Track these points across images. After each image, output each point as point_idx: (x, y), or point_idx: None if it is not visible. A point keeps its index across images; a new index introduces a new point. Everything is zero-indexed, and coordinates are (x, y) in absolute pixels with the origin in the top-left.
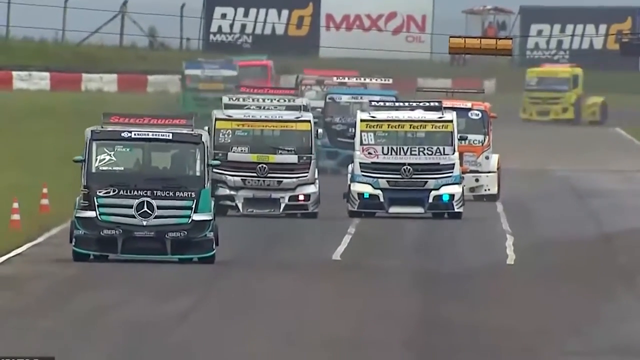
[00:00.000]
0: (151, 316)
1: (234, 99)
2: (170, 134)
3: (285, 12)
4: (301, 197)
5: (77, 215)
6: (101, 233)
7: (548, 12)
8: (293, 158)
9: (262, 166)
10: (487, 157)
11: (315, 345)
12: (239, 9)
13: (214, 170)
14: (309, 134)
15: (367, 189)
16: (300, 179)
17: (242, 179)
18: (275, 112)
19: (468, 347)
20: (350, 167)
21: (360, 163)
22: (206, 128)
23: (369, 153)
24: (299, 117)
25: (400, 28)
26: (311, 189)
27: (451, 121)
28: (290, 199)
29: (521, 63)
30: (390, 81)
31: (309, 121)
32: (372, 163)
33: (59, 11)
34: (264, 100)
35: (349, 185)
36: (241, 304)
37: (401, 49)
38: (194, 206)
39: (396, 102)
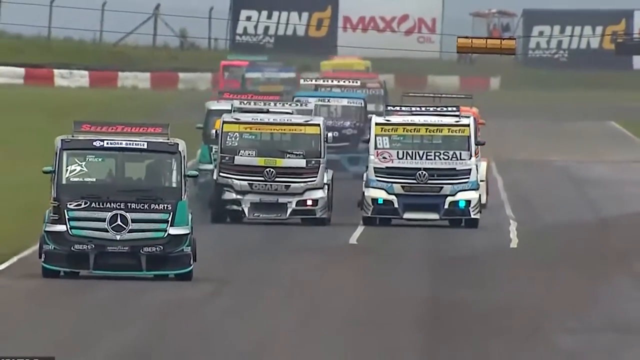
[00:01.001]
0: (176, 300)
1: (245, 102)
2: (145, 143)
3: (305, 15)
4: (309, 202)
5: (47, 229)
6: (72, 248)
7: (549, 14)
8: (301, 162)
9: (270, 170)
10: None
11: (331, 326)
12: (263, 11)
13: (220, 174)
14: (319, 138)
15: (381, 195)
16: (309, 183)
17: (248, 183)
18: (284, 116)
19: (476, 326)
20: (365, 174)
21: (374, 168)
22: (213, 131)
23: (384, 157)
24: (309, 121)
25: (412, 29)
26: (319, 194)
27: (468, 125)
28: (297, 203)
29: (524, 62)
30: (358, 83)
31: (319, 125)
32: (387, 168)
33: (97, 14)
34: (275, 104)
35: (363, 192)
36: (261, 288)
37: (413, 49)
38: (170, 219)
39: (413, 107)
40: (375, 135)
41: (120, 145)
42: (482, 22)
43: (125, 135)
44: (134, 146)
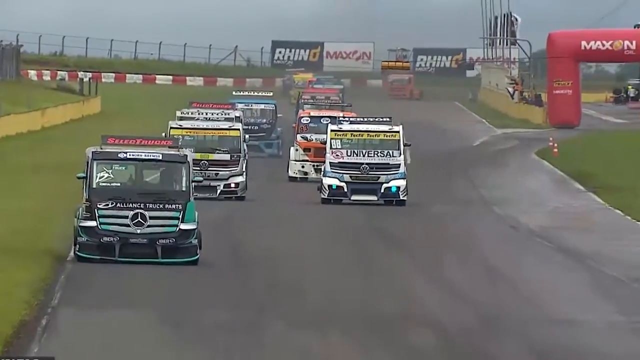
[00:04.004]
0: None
1: (186, 113)
2: (160, 155)
3: (307, 50)
4: (232, 185)
5: (80, 224)
6: (101, 240)
7: (426, 50)
8: (226, 156)
9: (204, 162)
10: None
11: (321, 222)
12: (287, 49)
13: None
14: (239, 139)
15: (334, 182)
16: (232, 171)
17: None
18: (215, 123)
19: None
20: (323, 167)
21: (330, 162)
22: (163, 134)
23: (337, 155)
24: (232, 126)
25: (359, 57)
26: (240, 179)
27: (398, 132)
28: (224, 186)
29: (414, 74)
30: (271, 94)
31: (239, 129)
32: (339, 162)
33: (206, 49)
34: (206, 114)
35: (322, 179)
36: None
37: (359, 67)
38: (180, 217)
39: (358, 118)
40: (331, 139)
41: (140, 157)
42: (393, 53)
43: (144, 148)
44: (151, 157)
